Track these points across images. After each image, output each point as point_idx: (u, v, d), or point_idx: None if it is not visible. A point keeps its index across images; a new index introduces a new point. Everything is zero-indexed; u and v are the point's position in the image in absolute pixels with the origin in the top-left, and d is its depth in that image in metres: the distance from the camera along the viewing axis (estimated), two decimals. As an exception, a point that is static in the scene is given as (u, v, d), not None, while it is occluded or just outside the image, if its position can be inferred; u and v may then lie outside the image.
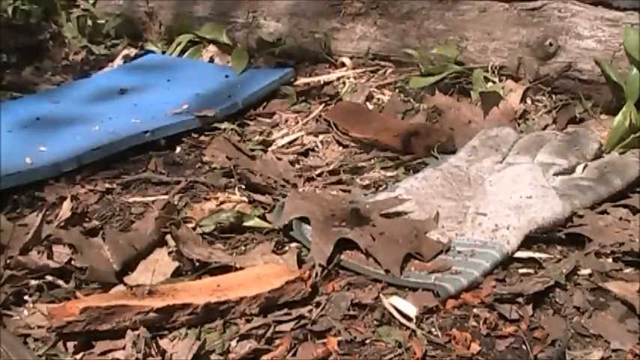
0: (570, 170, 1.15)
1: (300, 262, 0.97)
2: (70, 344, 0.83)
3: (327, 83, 1.56)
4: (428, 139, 1.27)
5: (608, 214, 1.04)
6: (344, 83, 1.54)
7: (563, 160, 1.15)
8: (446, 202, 1.08)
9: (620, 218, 1.03)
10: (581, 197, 1.06)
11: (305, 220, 1.02)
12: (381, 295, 0.90)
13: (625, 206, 1.06)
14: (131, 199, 1.17)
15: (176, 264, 0.97)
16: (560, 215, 1.03)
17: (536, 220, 1.00)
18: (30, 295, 0.93)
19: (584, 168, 1.15)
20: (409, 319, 0.86)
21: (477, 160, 1.18)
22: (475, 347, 0.81)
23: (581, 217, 1.03)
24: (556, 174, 1.13)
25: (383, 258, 0.94)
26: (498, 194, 1.06)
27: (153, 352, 0.80)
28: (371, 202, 1.07)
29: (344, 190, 1.16)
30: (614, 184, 1.10)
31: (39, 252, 0.99)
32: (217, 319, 0.85)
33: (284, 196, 1.12)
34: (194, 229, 1.05)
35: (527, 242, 0.99)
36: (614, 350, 0.81)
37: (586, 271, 0.94)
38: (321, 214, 1.01)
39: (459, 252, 0.96)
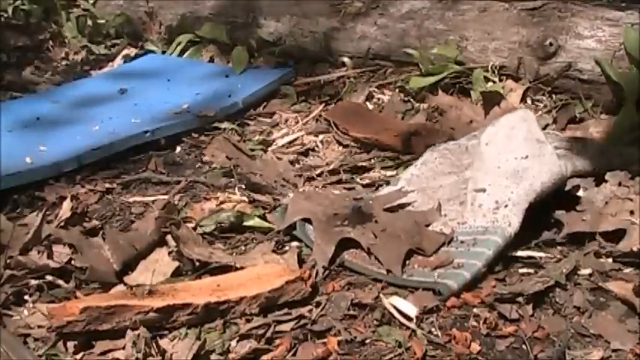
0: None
1: (301, 262, 0.97)
2: (70, 344, 0.83)
3: (327, 83, 1.56)
4: (428, 139, 1.27)
5: (606, 181, 1.04)
6: (344, 83, 1.54)
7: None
8: (446, 180, 1.07)
9: (619, 183, 1.03)
10: (582, 161, 1.05)
11: (308, 220, 1.02)
12: (381, 295, 0.90)
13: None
14: (131, 199, 1.17)
15: (176, 264, 0.97)
16: (558, 175, 1.01)
17: (535, 187, 0.99)
18: (30, 295, 0.93)
19: None
20: (409, 319, 0.86)
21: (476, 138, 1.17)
22: (475, 347, 0.82)
23: (581, 212, 1.03)
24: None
25: (384, 257, 0.94)
26: (493, 155, 1.04)
27: (153, 352, 0.80)
28: (374, 196, 1.07)
29: (344, 189, 1.16)
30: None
31: (39, 252, 0.99)
32: (217, 319, 0.85)
33: (284, 195, 1.12)
34: (194, 229, 1.05)
35: (528, 241, 0.99)
36: (614, 350, 0.81)
37: (586, 271, 0.94)
38: (324, 215, 1.01)
39: (462, 242, 0.96)
